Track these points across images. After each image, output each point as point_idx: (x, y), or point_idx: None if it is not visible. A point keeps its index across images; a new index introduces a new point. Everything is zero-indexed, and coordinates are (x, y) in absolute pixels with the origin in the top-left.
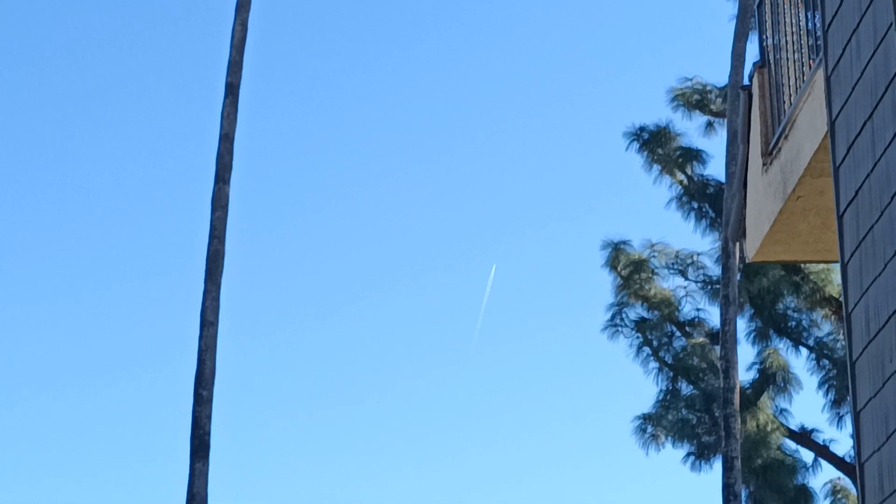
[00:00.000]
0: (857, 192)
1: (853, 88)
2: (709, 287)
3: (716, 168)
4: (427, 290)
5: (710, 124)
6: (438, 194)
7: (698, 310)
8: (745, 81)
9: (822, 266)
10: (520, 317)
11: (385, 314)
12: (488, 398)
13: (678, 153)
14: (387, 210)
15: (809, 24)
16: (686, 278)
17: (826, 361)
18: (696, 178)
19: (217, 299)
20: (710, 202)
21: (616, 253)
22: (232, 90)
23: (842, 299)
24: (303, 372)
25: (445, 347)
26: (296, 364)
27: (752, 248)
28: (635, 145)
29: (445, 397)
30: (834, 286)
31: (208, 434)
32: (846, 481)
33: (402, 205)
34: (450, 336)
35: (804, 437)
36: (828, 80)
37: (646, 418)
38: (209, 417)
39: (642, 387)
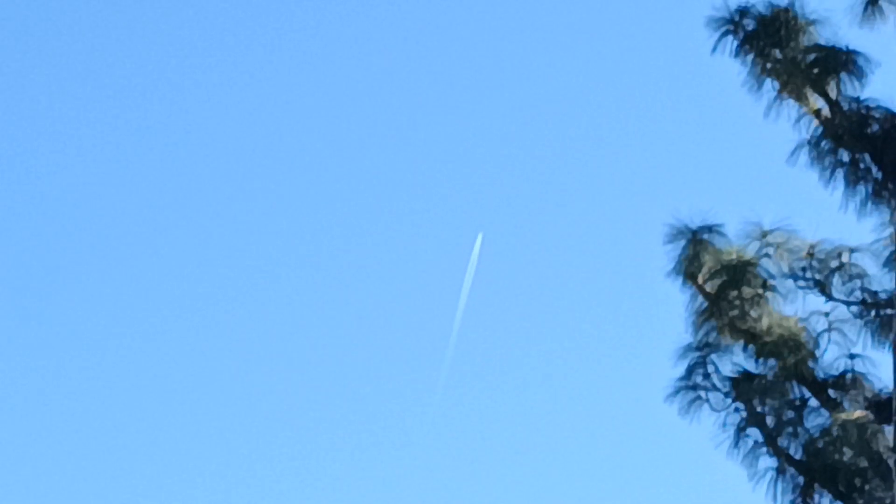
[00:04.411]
0: None
1: None
2: (871, 314)
3: (885, 86)
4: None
5: (871, 1)
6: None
7: (852, 357)
8: None
9: None
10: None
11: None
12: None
13: (813, 58)
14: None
15: None
16: (829, 297)
17: None
18: (845, 107)
19: None
20: (874, 152)
21: (695, 249)
22: None
23: None
24: None
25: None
26: None
27: None
28: (730, 42)
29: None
30: None
31: None
32: None
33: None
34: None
35: None
36: None
37: None
38: None
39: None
